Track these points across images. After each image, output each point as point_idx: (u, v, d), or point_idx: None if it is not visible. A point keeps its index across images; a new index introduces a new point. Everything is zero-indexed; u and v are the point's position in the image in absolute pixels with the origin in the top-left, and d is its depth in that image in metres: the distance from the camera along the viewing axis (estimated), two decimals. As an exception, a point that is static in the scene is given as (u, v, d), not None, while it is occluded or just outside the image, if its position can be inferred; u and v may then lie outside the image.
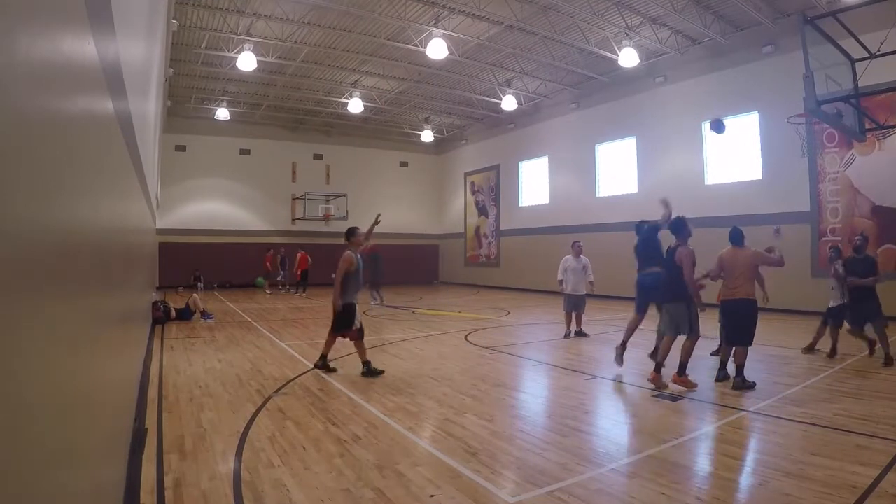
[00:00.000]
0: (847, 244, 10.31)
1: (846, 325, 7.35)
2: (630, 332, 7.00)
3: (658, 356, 6.10)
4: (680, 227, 6.21)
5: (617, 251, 17.51)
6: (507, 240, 23.65)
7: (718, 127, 8.51)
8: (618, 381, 6.46)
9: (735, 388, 5.82)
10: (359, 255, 6.90)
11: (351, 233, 7.02)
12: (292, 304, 16.30)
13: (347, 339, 6.90)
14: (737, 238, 6.30)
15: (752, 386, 5.84)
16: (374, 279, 16.50)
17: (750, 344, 6.03)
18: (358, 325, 6.75)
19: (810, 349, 7.75)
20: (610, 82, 18.11)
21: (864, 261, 7.31)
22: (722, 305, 6.35)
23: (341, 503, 3.19)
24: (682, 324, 5.99)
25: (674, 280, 6.09)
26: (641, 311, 7.08)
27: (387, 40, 15.37)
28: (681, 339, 6.07)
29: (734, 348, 6.09)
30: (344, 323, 6.73)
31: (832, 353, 7.40)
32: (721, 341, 7.21)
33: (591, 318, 11.47)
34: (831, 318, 7.47)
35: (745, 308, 6.07)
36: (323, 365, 6.82)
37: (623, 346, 6.90)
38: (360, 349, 6.80)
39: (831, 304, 7.49)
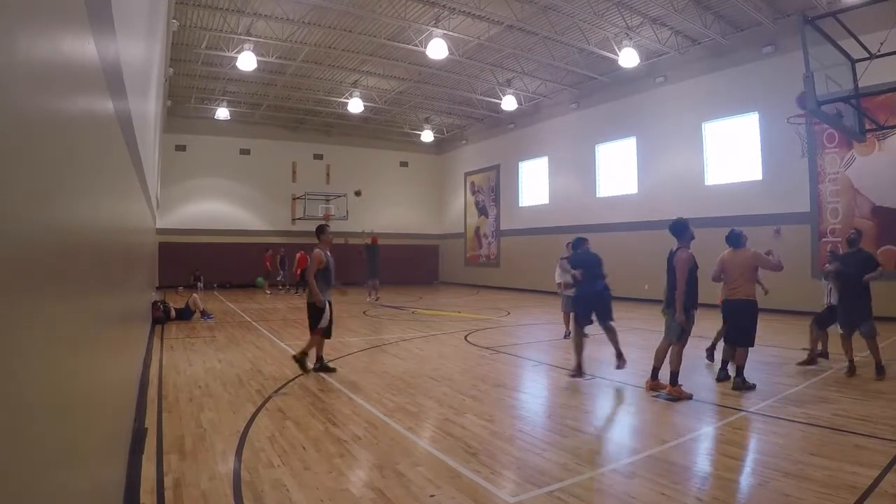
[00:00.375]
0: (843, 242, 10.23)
1: (838, 329, 6.73)
2: (579, 351, 6.56)
3: (654, 361, 6.04)
4: (681, 229, 5.91)
5: (617, 251, 17.52)
6: (507, 240, 23.66)
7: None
8: (618, 381, 6.46)
9: (735, 388, 5.82)
10: (328, 253, 6.88)
11: (321, 230, 6.99)
12: (292, 304, 16.29)
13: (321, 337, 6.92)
14: (735, 240, 6.30)
15: (752, 387, 5.83)
16: (371, 271, 16.51)
17: (751, 345, 6.02)
18: (325, 324, 6.74)
19: (819, 357, 7.18)
20: (610, 82, 18.11)
21: (859, 254, 6.78)
22: (722, 305, 6.36)
23: (341, 503, 3.19)
24: (674, 331, 5.77)
25: (673, 286, 5.81)
26: (582, 324, 6.64)
27: (387, 40, 15.37)
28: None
29: (735, 349, 6.08)
30: (314, 320, 6.77)
31: (810, 360, 6.98)
32: (714, 340, 7.21)
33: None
34: (816, 322, 7.09)
35: (743, 309, 6.07)
36: (321, 367, 6.82)
37: (580, 369, 6.53)
38: (314, 343, 6.85)
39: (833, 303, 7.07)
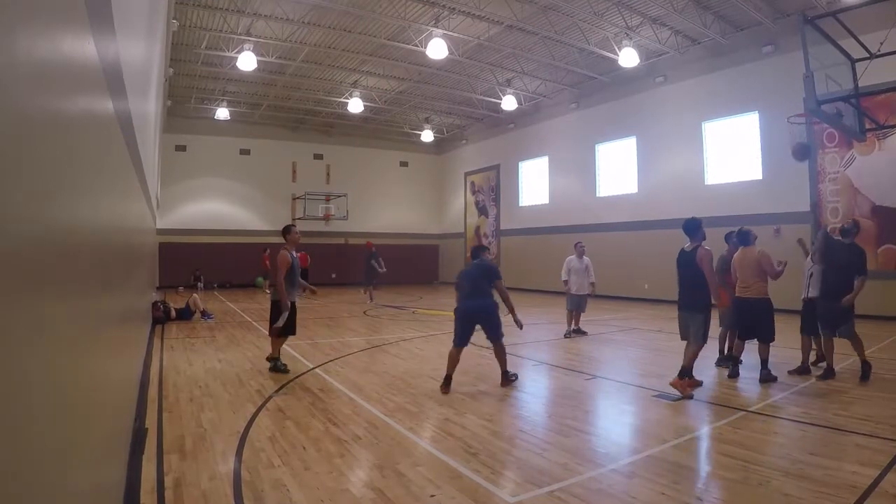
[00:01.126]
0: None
1: (820, 331, 6.40)
2: (454, 364, 5.97)
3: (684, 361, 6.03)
4: (695, 228, 5.94)
5: (617, 251, 17.55)
6: (507, 240, 23.66)
7: (803, 153, 7.00)
8: (618, 381, 6.46)
9: (763, 380, 6.07)
10: (293, 254, 6.89)
11: (287, 230, 7.00)
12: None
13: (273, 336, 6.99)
14: (745, 239, 6.46)
15: (775, 378, 6.09)
16: (368, 279, 16.55)
17: (773, 339, 6.22)
18: (280, 325, 6.75)
19: (816, 365, 6.74)
20: (610, 82, 18.11)
21: (850, 248, 6.26)
22: (736, 303, 6.41)
23: (341, 503, 3.19)
24: (695, 332, 5.82)
25: (692, 285, 5.83)
26: (463, 342, 6.02)
27: (387, 40, 15.37)
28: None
29: (758, 344, 6.25)
30: (273, 318, 6.82)
31: (803, 369, 6.53)
32: (727, 338, 7.15)
33: (592, 318, 11.46)
34: (804, 330, 6.68)
35: (757, 308, 6.23)
36: (274, 366, 6.83)
37: (449, 380, 5.91)
38: (274, 345, 6.91)
39: (812, 295, 6.58)
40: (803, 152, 6.77)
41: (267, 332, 7.51)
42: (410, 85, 19.70)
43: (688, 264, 5.87)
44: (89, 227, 1.89)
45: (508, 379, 6.18)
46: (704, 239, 5.98)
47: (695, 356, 5.79)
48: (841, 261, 6.22)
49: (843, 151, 12.62)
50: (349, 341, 9.39)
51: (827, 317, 6.24)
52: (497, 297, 6.14)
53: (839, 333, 6.18)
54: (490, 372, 6.95)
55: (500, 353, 6.17)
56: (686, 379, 5.73)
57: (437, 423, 4.80)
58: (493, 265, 6.47)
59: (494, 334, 6.07)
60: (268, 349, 7.54)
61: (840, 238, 6.49)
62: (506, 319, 6.17)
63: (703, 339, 5.83)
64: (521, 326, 6.30)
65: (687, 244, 5.98)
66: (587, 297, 10.00)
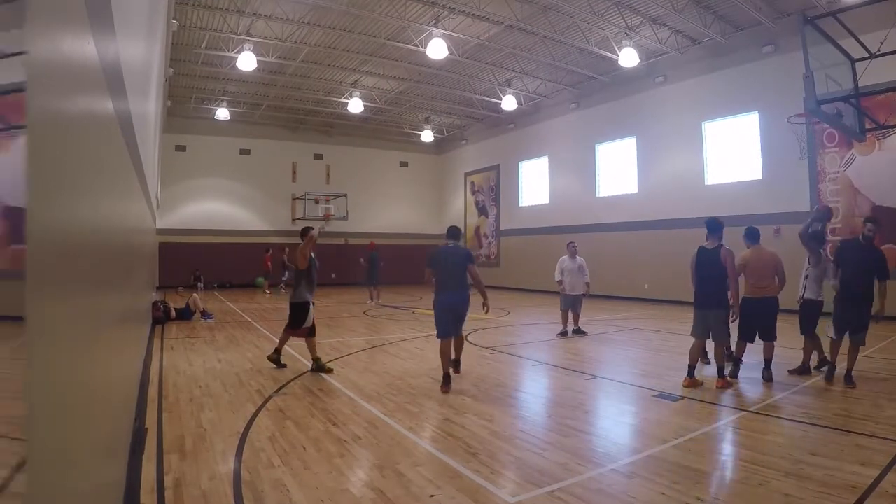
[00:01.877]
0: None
1: (829, 333, 6.20)
2: (449, 359, 6.12)
3: (689, 359, 6.08)
4: (720, 226, 6.06)
5: (617, 251, 17.56)
6: (507, 240, 23.66)
7: (823, 218, 7.03)
8: (619, 381, 6.46)
9: (766, 379, 6.13)
10: (312, 255, 7.02)
11: (305, 231, 7.18)
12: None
13: (301, 338, 7.08)
14: (756, 236, 6.51)
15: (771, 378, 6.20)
16: (370, 279, 16.59)
17: (775, 338, 6.33)
18: (309, 324, 6.88)
19: (821, 367, 6.64)
20: (610, 82, 18.11)
21: (868, 249, 6.05)
22: (750, 303, 6.25)
23: (342, 503, 3.19)
24: (718, 330, 5.96)
25: (715, 283, 5.92)
26: (449, 334, 6.12)
27: (387, 40, 15.38)
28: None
29: (764, 343, 6.29)
30: (297, 320, 6.91)
31: (803, 369, 6.56)
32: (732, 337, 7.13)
33: (592, 318, 11.47)
34: (805, 333, 6.59)
35: (770, 307, 6.28)
36: (318, 367, 6.85)
37: (448, 379, 5.98)
38: (311, 346, 6.98)
39: (807, 297, 6.56)
40: (823, 218, 6.96)
41: (268, 332, 7.50)
42: (410, 85, 19.71)
43: (712, 263, 5.97)
44: (89, 227, 1.88)
45: (459, 368, 6.49)
46: (721, 240, 6.15)
47: (724, 353, 6.06)
48: (857, 259, 6.04)
49: (843, 151, 12.62)
50: (349, 341, 9.40)
51: (845, 322, 6.00)
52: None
53: (853, 341, 6.00)
54: (490, 372, 6.96)
55: (462, 344, 6.55)
56: (724, 378, 5.96)
57: (437, 423, 4.80)
58: (469, 249, 6.66)
59: (462, 326, 6.35)
60: (269, 350, 7.55)
61: (860, 240, 6.25)
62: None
63: (727, 335, 6.03)
64: (487, 310, 6.46)
65: (706, 243, 6.14)
66: (582, 296, 10.02)
